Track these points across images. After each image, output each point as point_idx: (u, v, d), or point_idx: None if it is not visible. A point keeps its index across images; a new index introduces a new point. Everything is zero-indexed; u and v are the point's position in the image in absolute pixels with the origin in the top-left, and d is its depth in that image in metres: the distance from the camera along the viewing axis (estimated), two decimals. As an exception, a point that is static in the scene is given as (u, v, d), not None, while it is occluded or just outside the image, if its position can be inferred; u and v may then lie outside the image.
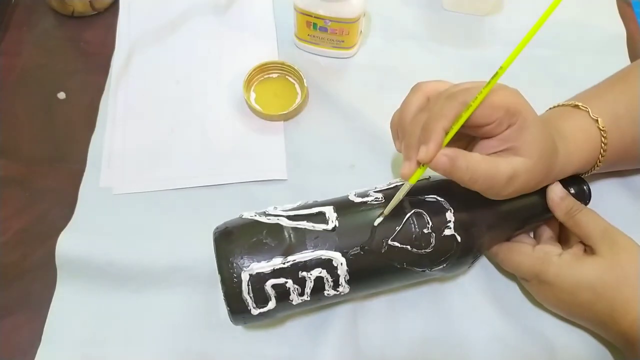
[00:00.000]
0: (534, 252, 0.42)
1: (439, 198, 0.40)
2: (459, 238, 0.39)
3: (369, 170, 0.52)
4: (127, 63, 0.57)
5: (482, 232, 0.41)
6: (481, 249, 0.42)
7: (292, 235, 0.38)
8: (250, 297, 0.37)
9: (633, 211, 0.50)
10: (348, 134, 0.54)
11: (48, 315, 0.44)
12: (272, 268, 0.37)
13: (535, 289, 0.43)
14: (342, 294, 0.39)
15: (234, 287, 0.37)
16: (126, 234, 0.47)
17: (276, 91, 0.56)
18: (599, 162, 0.43)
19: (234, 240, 0.38)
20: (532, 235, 0.47)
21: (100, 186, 0.50)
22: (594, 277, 0.40)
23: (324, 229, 0.38)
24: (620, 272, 0.39)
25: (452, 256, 0.40)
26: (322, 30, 0.55)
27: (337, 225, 0.38)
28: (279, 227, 0.38)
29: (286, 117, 0.54)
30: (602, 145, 0.43)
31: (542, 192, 0.43)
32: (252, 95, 0.56)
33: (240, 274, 0.36)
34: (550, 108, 0.47)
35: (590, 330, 0.44)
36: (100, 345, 0.43)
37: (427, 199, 0.40)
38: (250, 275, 0.37)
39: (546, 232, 0.45)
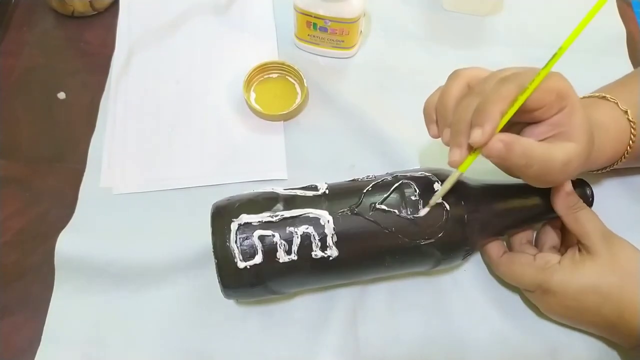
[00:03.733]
0: (535, 261, 0.42)
1: (426, 173, 0.42)
2: (447, 206, 0.40)
3: (369, 170, 0.51)
4: (127, 63, 0.57)
5: (471, 206, 0.41)
6: (473, 234, 0.42)
7: (284, 199, 0.40)
8: (237, 247, 0.38)
9: (633, 212, 0.50)
10: (348, 134, 0.54)
11: (48, 315, 0.44)
12: (260, 220, 0.39)
13: (540, 299, 0.43)
14: (331, 257, 0.39)
15: (223, 238, 0.38)
16: (126, 234, 0.47)
17: (276, 91, 0.56)
18: (627, 153, 0.43)
19: (230, 200, 0.41)
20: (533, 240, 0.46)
21: (100, 186, 0.50)
22: (596, 279, 0.39)
23: (314, 195, 0.41)
24: (622, 271, 0.39)
25: (443, 227, 0.40)
26: (322, 30, 0.55)
27: (328, 192, 0.41)
28: (273, 193, 0.41)
29: (286, 117, 0.54)
30: (632, 136, 0.42)
31: (542, 189, 0.43)
32: (252, 95, 0.55)
33: (230, 225, 0.39)
34: None
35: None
36: (100, 345, 0.43)
37: (415, 175, 0.42)
38: (239, 225, 0.38)
39: (548, 240, 0.45)
